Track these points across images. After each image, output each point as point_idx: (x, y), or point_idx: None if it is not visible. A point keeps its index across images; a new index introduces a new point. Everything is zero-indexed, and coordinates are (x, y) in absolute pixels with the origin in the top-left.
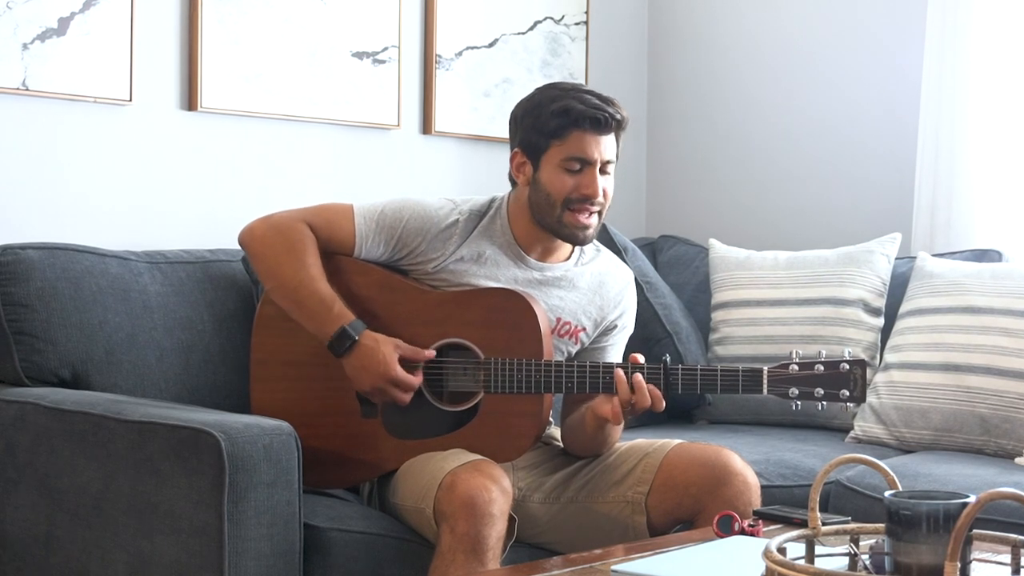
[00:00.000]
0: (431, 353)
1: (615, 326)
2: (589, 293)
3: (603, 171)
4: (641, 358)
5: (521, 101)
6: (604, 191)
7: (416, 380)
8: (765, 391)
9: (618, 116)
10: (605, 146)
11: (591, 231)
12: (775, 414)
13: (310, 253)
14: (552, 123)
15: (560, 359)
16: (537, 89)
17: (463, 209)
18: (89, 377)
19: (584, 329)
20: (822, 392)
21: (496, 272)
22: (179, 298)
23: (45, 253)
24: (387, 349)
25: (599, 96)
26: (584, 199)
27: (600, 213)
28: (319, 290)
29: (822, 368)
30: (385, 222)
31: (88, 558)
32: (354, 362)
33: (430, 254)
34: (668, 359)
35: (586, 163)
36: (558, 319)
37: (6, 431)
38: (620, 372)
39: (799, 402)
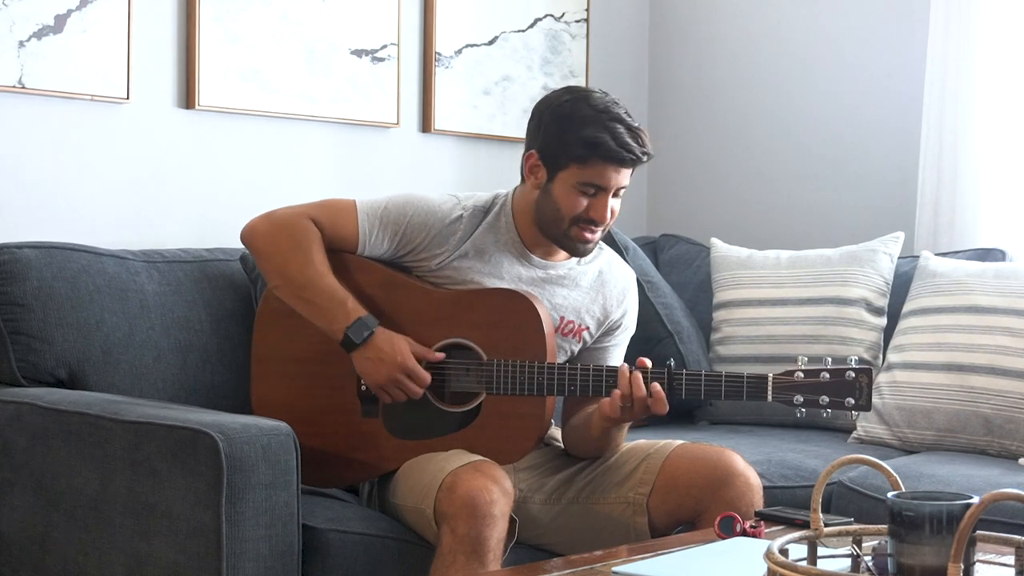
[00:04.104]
0: (440, 355)
1: (619, 326)
2: (592, 292)
3: (615, 195)
4: (648, 363)
5: (551, 103)
6: (612, 211)
7: (428, 375)
8: (770, 398)
9: (645, 157)
10: (623, 176)
11: (591, 246)
12: (777, 415)
13: (316, 250)
14: (578, 149)
15: (563, 358)
16: (569, 95)
17: (466, 205)
18: (86, 377)
19: (587, 328)
20: (827, 400)
21: (500, 269)
22: (176, 298)
23: (42, 252)
24: (402, 341)
25: (630, 129)
26: (591, 221)
27: (603, 231)
28: (330, 286)
29: (827, 376)
30: (389, 218)
31: (85, 559)
32: (369, 353)
33: (434, 250)
34: (672, 363)
35: (601, 189)
36: (561, 318)
37: (2, 431)
38: (624, 367)
39: (803, 410)
